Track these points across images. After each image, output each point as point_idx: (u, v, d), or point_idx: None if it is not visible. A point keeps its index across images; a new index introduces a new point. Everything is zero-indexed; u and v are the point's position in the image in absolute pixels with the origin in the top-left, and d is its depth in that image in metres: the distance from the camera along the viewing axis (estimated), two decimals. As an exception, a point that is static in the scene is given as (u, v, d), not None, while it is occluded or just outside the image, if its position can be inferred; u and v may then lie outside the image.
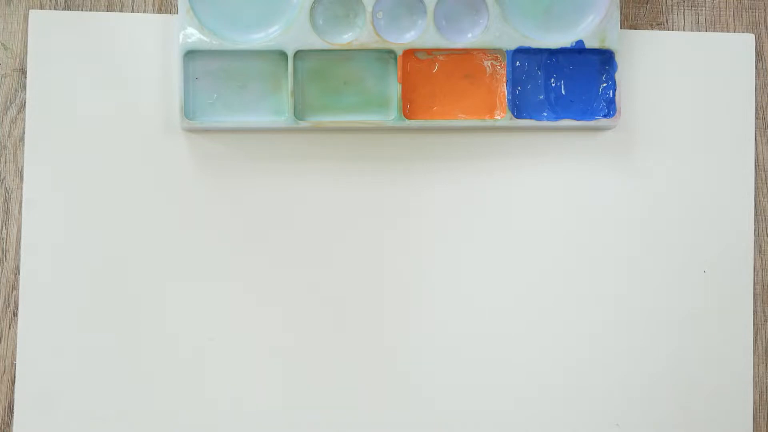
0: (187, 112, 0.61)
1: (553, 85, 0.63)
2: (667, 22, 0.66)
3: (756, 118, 0.65)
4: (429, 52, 0.62)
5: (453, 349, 0.63)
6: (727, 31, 0.66)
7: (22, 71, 0.63)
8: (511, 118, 0.62)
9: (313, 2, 0.61)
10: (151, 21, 0.63)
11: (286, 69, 0.61)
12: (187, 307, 0.62)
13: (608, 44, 0.62)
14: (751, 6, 0.66)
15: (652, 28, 0.66)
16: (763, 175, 0.65)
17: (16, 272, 0.62)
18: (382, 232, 0.63)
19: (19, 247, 0.62)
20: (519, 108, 0.63)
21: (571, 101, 0.63)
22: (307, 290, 0.63)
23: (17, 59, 0.63)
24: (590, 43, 0.62)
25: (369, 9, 0.61)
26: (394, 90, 0.62)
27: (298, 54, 0.61)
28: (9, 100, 0.63)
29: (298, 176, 0.63)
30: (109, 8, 0.63)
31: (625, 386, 0.64)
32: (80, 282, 0.62)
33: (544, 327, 0.64)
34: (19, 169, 0.62)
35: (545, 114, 0.63)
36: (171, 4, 0.63)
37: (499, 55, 0.62)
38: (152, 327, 0.62)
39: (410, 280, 0.63)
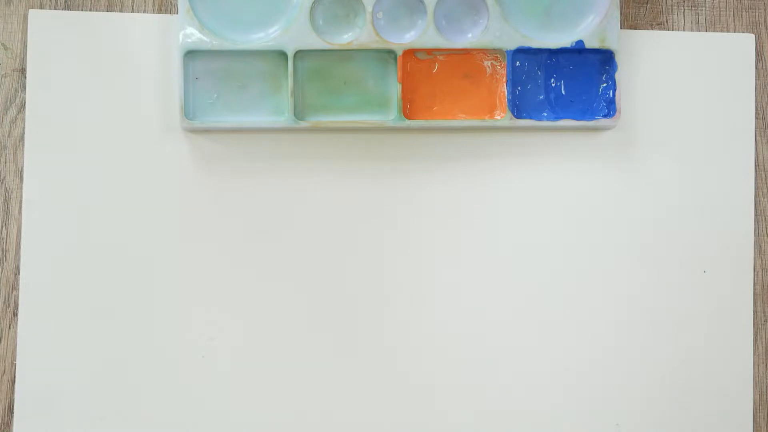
0: (187, 112, 0.61)
1: (553, 85, 0.63)
2: (667, 22, 0.66)
3: (756, 118, 0.65)
4: (429, 52, 0.62)
5: (453, 349, 0.63)
6: (727, 31, 0.66)
7: (22, 71, 0.63)
8: (511, 118, 0.62)
9: (313, 2, 0.61)
10: (151, 21, 0.63)
11: (286, 69, 0.61)
12: (187, 307, 0.62)
13: (608, 44, 0.62)
14: (751, 6, 0.66)
15: (652, 28, 0.66)
16: (763, 175, 0.65)
17: (16, 272, 0.62)
18: (382, 231, 0.63)
19: (19, 247, 0.62)
20: (519, 108, 0.63)
21: (571, 101, 0.63)
22: (307, 290, 0.63)
23: (17, 59, 0.63)
24: (590, 43, 0.62)
25: (369, 9, 0.61)
26: (394, 90, 0.62)
27: (298, 54, 0.61)
28: (9, 100, 0.63)
29: (298, 176, 0.63)
30: (109, 8, 0.63)
31: (625, 386, 0.64)
32: (80, 282, 0.62)
33: (544, 327, 0.64)
34: (19, 169, 0.62)
35: (545, 114, 0.63)
36: (171, 4, 0.63)
37: (499, 55, 0.62)
38: (152, 327, 0.62)
39: (410, 280, 0.63)
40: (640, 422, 0.64)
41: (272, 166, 0.63)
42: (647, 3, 0.66)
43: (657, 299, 0.64)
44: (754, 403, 0.65)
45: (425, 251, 0.63)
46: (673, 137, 0.65)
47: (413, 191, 0.63)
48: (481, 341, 0.63)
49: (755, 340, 0.65)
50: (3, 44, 0.63)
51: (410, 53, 0.62)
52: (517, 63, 0.63)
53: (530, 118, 0.63)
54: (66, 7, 0.63)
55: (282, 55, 0.61)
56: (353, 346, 0.63)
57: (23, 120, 0.62)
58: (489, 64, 0.63)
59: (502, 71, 0.62)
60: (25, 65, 0.62)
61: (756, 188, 0.65)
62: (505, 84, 0.62)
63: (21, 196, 0.62)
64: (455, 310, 0.63)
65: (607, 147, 0.64)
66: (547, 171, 0.64)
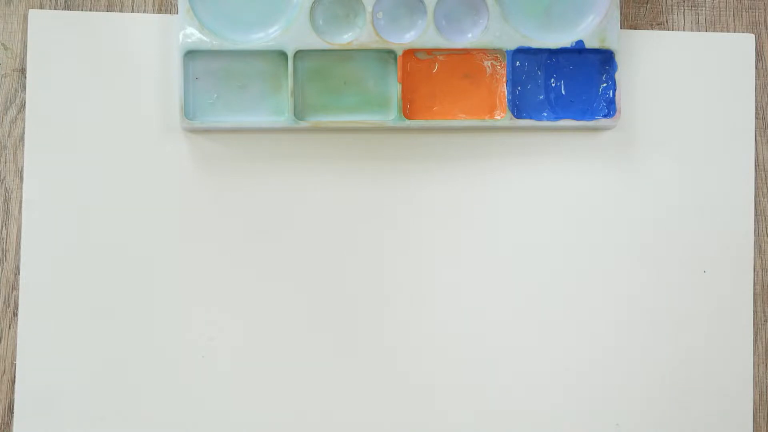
0: (187, 112, 0.61)
1: (553, 85, 0.63)
2: (667, 22, 0.66)
3: (756, 118, 0.65)
4: (429, 52, 0.62)
5: (453, 349, 0.63)
6: (727, 31, 0.66)
7: (22, 71, 0.63)
8: (511, 118, 0.62)
9: (313, 2, 0.61)
10: (151, 21, 0.63)
11: (286, 69, 0.61)
12: (187, 307, 0.62)
13: (608, 44, 0.62)
14: (751, 6, 0.66)
15: (652, 28, 0.66)
16: (763, 175, 0.65)
17: (16, 272, 0.62)
18: (382, 232, 0.63)
19: (19, 247, 0.62)
20: (519, 108, 0.63)
21: (571, 101, 0.63)
22: (307, 290, 0.63)
23: (17, 59, 0.63)
24: (590, 43, 0.62)
25: (369, 9, 0.61)
26: (394, 90, 0.62)
27: (298, 54, 0.61)
28: (9, 100, 0.63)
29: (298, 176, 0.63)
30: (109, 8, 0.63)
31: (625, 386, 0.64)
32: (80, 282, 0.62)
33: (544, 327, 0.64)
34: (19, 169, 0.62)
35: (545, 114, 0.63)
36: (171, 4, 0.63)
37: (499, 55, 0.62)
38: (152, 327, 0.62)
39: (410, 280, 0.63)
40: (640, 422, 0.64)
41: (272, 166, 0.63)
42: (647, 3, 0.66)
43: (657, 299, 0.64)
44: (754, 403, 0.65)
45: (425, 251, 0.63)
46: (673, 137, 0.65)
47: (413, 191, 0.63)
48: (481, 341, 0.63)
49: (755, 340, 0.65)
50: (3, 44, 0.63)
51: (410, 53, 0.62)
52: (517, 63, 0.63)
53: (530, 118, 0.63)
54: (66, 7, 0.63)
55: (282, 55, 0.61)
56: (353, 346, 0.63)
57: (23, 120, 0.62)
58: (489, 64, 0.63)
59: (502, 71, 0.62)
60: (25, 65, 0.62)
61: (756, 188, 0.65)
62: (505, 84, 0.62)
63: (21, 196, 0.62)
64: (455, 310, 0.63)
65: (607, 147, 0.64)
66: (547, 171, 0.64)
